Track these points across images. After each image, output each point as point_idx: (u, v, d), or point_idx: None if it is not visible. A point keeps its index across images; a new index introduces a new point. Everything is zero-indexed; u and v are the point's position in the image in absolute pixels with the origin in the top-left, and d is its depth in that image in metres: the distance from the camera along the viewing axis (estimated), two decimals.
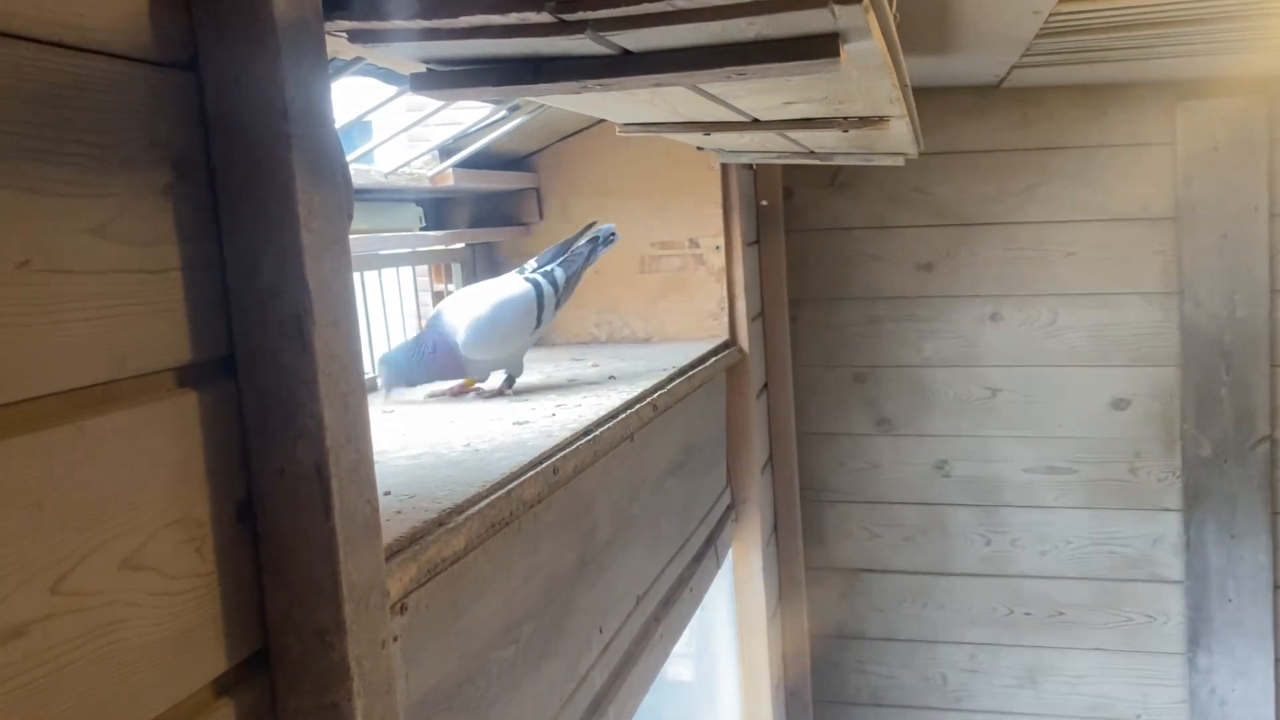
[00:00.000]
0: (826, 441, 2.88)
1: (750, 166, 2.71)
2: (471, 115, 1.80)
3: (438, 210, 2.05)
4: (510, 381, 1.62)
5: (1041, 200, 2.67)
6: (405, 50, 0.83)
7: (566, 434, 1.26)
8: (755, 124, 1.41)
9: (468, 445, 1.23)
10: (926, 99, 2.65)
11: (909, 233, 2.76)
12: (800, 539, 2.87)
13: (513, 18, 0.72)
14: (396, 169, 1.67)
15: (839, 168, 2.74)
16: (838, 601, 2.92)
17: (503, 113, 1.77)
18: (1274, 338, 2.57)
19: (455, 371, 1.57)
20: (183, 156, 0.66)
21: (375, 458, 1.20)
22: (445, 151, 1.82)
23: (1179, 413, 2.65)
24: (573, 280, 1.68)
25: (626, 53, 0.83)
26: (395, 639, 0.84)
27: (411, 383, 1.56)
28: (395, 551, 0.85)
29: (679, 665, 2.66)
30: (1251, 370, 2.59)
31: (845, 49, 0.85)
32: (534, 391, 1.63)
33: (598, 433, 1.33)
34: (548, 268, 1.65)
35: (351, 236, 1.65)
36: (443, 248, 2.06)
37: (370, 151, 1.58)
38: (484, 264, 2.20)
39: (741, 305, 2.25)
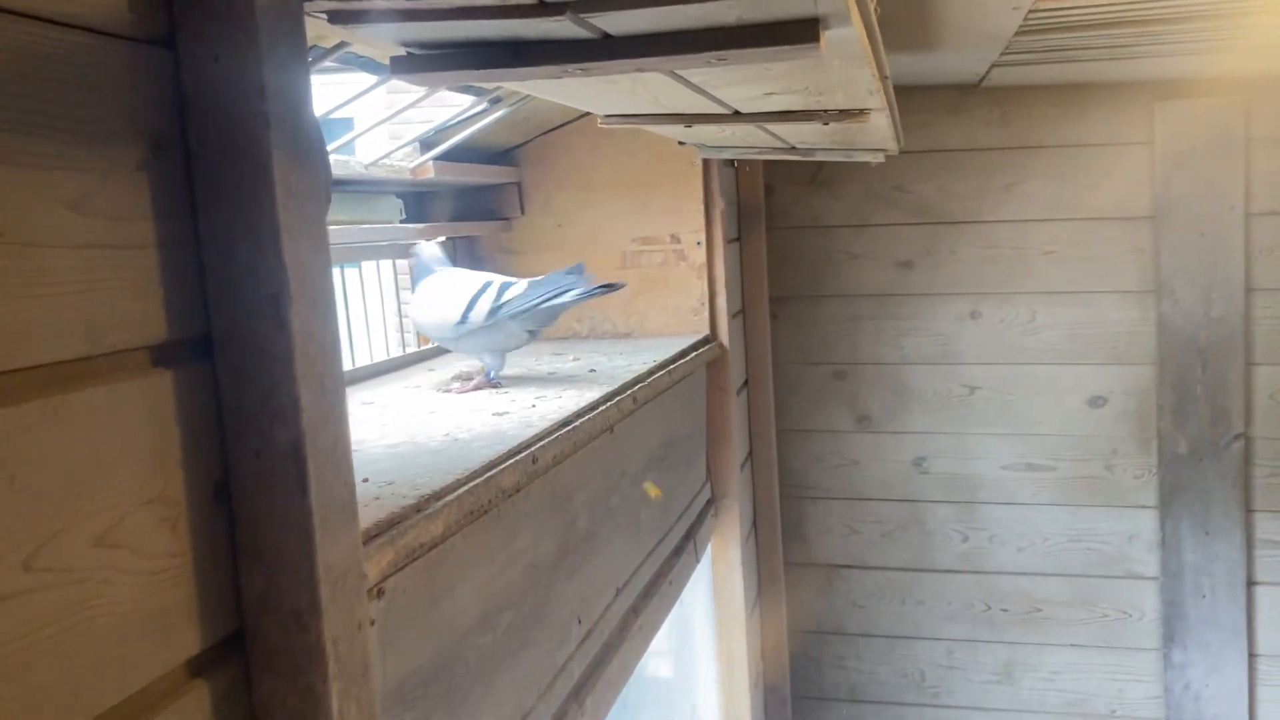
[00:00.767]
0: (806, 438, 2.89)
1: (732, 163, 2.71)
2: (451, 110, 1.80)
3: (419, 203, 2.05)
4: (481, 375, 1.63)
5: (1021, 199, 2.69)
6: (385, 32, 0.83)
7: (546, 424, 1.26)
8: (736, 116, 1.41)
9: (447, 435, 1.23)
10: (908, 97, 2.66)
11: (889, 231, 2.77)
12: (780, 535, 2.87)
13: None
14: (377, 160, 1.66)
15: (820, 165, 2.75)
16: (817, 597, 2.92)
17: (484, 105, 1.77)
18: (1249, 336, 2.60)
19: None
20: (160, 133, 0.66)
21: (354, 446, 1.20)
22: (426, 144, 1.81)
23: (1155, 410, 2.67)
24: (539, 298, 1.59)
25: (607, 36, 0.83)
26: (372, 622, 0.83)
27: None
28: (373, 536, 0.84)
29: (659, 662, 2.66)
30: (1227, 368, 2.61)
31: (825, 35, 0.85)
32: (514, 384, 1.63)
33: (577, 424, 1.33)
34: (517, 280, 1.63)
35: (331, 227, 1.64)
36: (425, 241, 2.05)
37: (351, 143, 1.58)
38: (465, 257, 2.20)
39: (722, 301, 2.25)
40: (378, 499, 0.93)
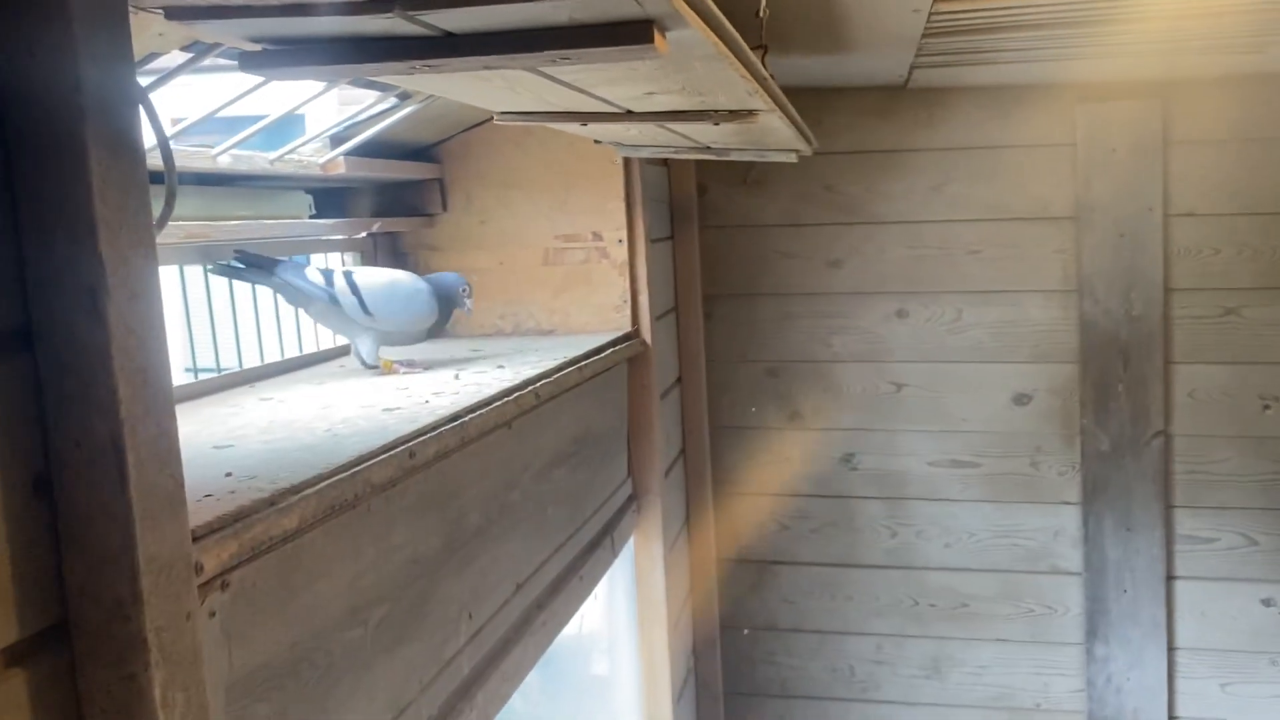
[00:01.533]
0: (739, 435, 2.91)
1: (665, 162, 2.73)
2: (355, 107, 1.80)
3: (339, 199, 2.04)
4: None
5: (947, 199, 2.72)
6: (228, 29, 0.83)
7: (431, 419, 1.27)
8: (630, 115, 1.42)
9: (328, 430, 1.23)
10: (835, 98, 2.69)
11: (819, 230, 2.80)
12: (713, 531, 2.90)
13: None
14: (282, 154, 1.66)
15: (750, 165, 2.77)
16: (748, 593, 2.95)
17: (393, 100, 1.77)
18: (1169, 335, 2.65)
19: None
20: None
21: (231, 442, 1.20)
22: (336, 140, 1.81)
23: (1078, 408, 2.71)
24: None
25: (449, 34, 0.84)
26: (213, 614, 0.84)
27: None
28: (216, 529, 0.85)
29: (600, 660, 2.67)
30: (1147, 367, 2.66)
31: (667, 37, 0.86)
32: (417, 379, 1.63)
33: (467, 419, 1.33)
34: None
35: (232, 223, 1.64)
36: (342, 237, 2.05)
37: (252, 138, 1.57)
38: (385, 254, 2.20)
39: (645, 299, 2.26)
40: (233, 493, 0.94)
